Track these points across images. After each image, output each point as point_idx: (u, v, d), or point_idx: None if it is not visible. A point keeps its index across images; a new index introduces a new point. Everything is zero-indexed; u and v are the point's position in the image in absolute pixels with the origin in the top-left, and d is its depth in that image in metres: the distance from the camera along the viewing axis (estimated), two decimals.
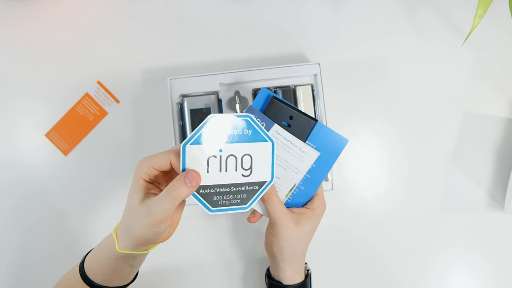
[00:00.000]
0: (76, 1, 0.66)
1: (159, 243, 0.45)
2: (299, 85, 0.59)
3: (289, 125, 0.48)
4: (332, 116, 0.59)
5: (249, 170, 0.42)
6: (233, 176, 0.41)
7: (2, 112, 0.65)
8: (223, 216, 0.63)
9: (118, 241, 0.43)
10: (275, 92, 0.59)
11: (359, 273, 0.62)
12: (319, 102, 0.58)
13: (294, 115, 0.48)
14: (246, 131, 0.41)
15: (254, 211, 0.51)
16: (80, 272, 0.45)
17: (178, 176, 0.39)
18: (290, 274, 0.50)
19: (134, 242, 0.42)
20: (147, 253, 0.46)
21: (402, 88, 0.64)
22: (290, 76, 0.59)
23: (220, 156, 0.40)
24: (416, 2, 0.65)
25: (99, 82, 0.65)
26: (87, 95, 0.64)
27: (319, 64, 0.58)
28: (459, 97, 0.64)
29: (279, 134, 0.48)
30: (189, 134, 0.58)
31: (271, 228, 0.48)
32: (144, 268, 0.63)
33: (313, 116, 0.52)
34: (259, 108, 0.49)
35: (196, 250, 0.63)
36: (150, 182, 0.42)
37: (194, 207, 0.62)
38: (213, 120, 0.40)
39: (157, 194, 0.40)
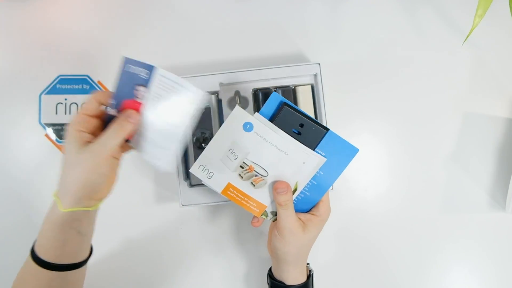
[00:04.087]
0: (76, 1, 0.66)
1: (101, 198, 0.45)
2: (299, 85, 0.59)
3: (299, 133, 0.47)
4: (332, 116, 0.59)
5: None
6: None
7: (2, 112, 0.65)
8: (225, 216, 0.63)
9: (61, 201, 0.42)
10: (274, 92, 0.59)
11: (360, 273, 0.62)
12: (319, 102, 0.58)
13: (305, 123, 0.46)
14: None
15: (256, 216, 0.51)
16: (31, 254, 0.44)
17: (120, 115, 0.44)
18: (293, 275, 0.50)
19: (76, 196, 0.42)
20: (93, 215, 0.46)
21: (402, 88, 0.64)
22: (290, 76, 0.59)
23: None
24: (416, 2, 0.65)
25: (99, 82, 0.65)
26: None
27: (319, 64, 0.58)
28: (459, 97, 0.64)
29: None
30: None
31: (278, 233, 0.49)
32: (146, 268, 0.63)
33: (325, 125, 0.49)
34: (270, 113, 0.47)
35: (198, 250, 0.63)
36: (83, 132, 0.43)
37: (191, 208, 0.62)
38: None
39: (90, 141, 0.43)
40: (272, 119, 0.47)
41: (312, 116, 0.59)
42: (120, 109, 0.46)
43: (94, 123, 0.45)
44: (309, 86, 0.59)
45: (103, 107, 0.45)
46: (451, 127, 0.63)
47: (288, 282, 0.50)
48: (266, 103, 0.47)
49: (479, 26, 0.55)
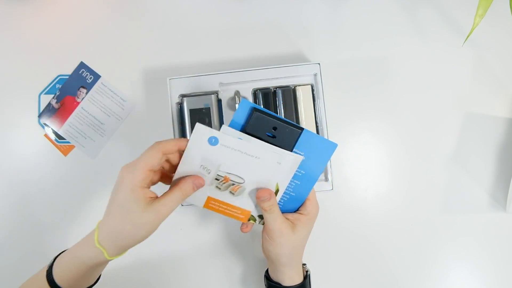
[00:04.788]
0: (76, 1, 0.66)
1: None
2: (299, 85, 0.59)
3: (273, 136, 0.46)
4: (332, 116, 0.59)
5: None
6: None
7: (1, 112, 0.65)
8: (224, 217, 0.63)
9: (106, 250, 0.42)
10: (274, 92, 0.59)
11: (360, 273, 0.62)
12: (319, 102, 0.58)
13: (278, 125, 0.46)
14: None
15: (244, 222, 0.51)
16: (47, 277, 0.43)
17: (187, 177, 0.44)
18: (289, 276, 0.50)
19: (127, 247, 0.43)
20: None
21: (403, 88, 0.64)
22: (290, 76, 0.59)
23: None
24: (417, 2, 0.64)
25: None
26: None
27: (319, 64, 0.58)
28: (460, 97, 0.64)
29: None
30: (188, 134, 0.58)
31: (268, 236, 0.49)
32: (144, 268, 0.63)
33: (298, 124, 0.50)
34: (242, 120, 0.46)
35: (197, 251, 0.63)
36: (147, 188, 0.42)
37: (191, 209, 0.62)
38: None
39: (153, 197, 0.42)
40: (244, 126, 0.46)
41: (312, 116, 0.59)
42: (60, 102, 0.57)
43: (156, 178, 0.44)
44: (309, 86, 0.59)
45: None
46: (452, 127, 0.63)
47: (285, 283, 0.50)
48: (236, 111, 0.46)
49: (480, 26, 0.55)
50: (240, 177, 0.47)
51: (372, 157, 0.63)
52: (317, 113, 0.59)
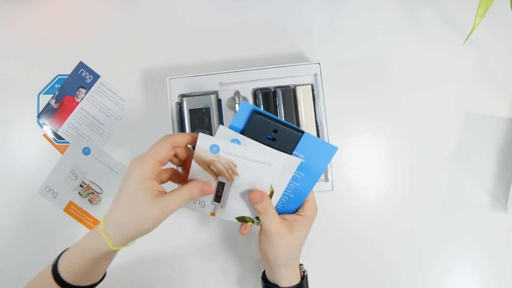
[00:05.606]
0: (75, 1, 0.66)
1: None
2: (299, 85, 0.59)
3: (273, 139, 0.46)
4: (332, 116, 0.59)
5: None
6: None
7: (0, 112, 0.65)
8: (217, 221, 0.63)
9: (110, 240, 0.42)
10: (274, 92, 0.59)
11: (360, 273, 0.62)
12: (319, 102, 0.58)
13: (279, 128, 0.45)
14: None
15: (244, 224, 0.51)
16: (53, 272, 0.43)
17: (197, 180, 0.45)
18: (286, 277, 0.50)
19: (132, 238, 0.42)
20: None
21: (403, 88, 0.64)
22: (290, 76, 0.58)
23: None
24: (417, 2, 0.64)
25: None
26: None
27: (319, 63, 0.58)
28: (460, 97, 0.63)
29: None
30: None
31: (265, 237, 0.48)
32: (140, 273, 0.62)
33: (299, 127, 0.49)
34: (243, 122, 0.46)
35: (193, 253, 0.63)
36: (155, 181, 0.43)
37: (189, 212, 0.62)
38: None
39: (161, 191, 0.43)
40: (245, 128, 0.46)
41: (312, 116, 0.59)
42: (60, 102, 0.60)
43: (165, 176, 0.46)
44: (309, 86, 0.59)
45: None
46: (452, 127, 0.63)
47: (282, 284, 0.50)
48: (236, 112, 0.46)
49: (480, 25, 0.55)
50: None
51: (372, 157, 0.63)
52: (317, 113, 0.59)
